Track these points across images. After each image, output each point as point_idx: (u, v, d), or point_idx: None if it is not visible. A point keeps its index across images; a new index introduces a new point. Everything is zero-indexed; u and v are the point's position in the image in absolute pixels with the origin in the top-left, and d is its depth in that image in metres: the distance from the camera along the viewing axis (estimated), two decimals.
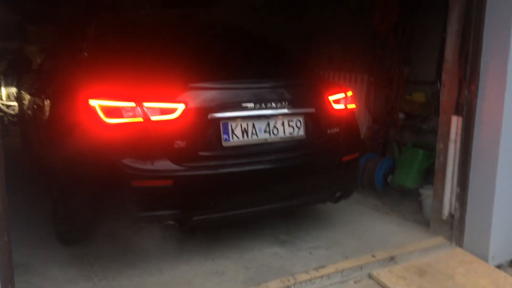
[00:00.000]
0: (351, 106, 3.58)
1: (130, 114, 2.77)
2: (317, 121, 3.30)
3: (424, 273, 3.21)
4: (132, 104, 2.77)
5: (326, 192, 3.46)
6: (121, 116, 2.76)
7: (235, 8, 7.15)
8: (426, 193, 4.10)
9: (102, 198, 2.85)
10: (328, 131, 3.37)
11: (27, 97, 5.07)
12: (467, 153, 3.46)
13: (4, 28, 7.91)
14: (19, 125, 6.41)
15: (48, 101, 3.73)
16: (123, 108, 2.77)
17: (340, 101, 3.46)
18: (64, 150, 3.09)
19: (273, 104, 3.08)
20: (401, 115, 4.68)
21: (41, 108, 3.95)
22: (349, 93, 3.58)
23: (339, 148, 3.42)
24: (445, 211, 3.65)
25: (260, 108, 3.03)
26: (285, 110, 3.13)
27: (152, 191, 2.80)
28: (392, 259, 3.34)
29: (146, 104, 2.77)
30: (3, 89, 7.56)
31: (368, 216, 4.25)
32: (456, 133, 3.53)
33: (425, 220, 4.04)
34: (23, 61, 5.78)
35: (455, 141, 3.54)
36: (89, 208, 2.97)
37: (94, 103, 2.80)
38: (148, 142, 2.78)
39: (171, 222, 2.88)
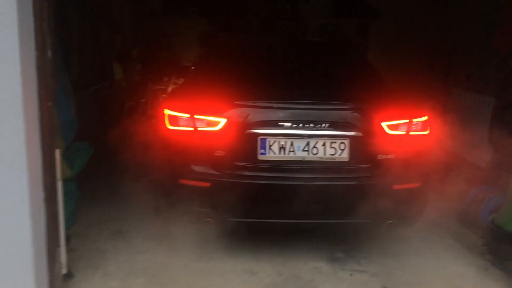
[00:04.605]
0: (419, 132, 3.41)
1: (185, 123, 3.33)
2: (365, 145, 3.29)
3: None
4: (187, 115, 3.32)
5: (372, 218, 3.40)
6: (178, 125, 3.34)
7: (397, 22, 7.06)
8: None
9: (162, 189, 3.50)
10: (379, 157, 3.31)
11: None
12: None
13: (202, 37, 9.44)
14: None
15: None
16: (181, 118, 3.34)
17: (399, 126, 3.34)
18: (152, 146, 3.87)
19: (312, 125, 3.22)
20: None
21: None
22: (419, 119, 3.41)
23: (390, 175, 3.33)
24: None
25: (298, 128, 3.22)
26: (325, 132, 3.24)
27: (193, 190, 3.31)
28: None
29: (196, 116, 3.29)
30: None
31: (451, 253, 3.89)
32: None
33: None
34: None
35: None
36: (159, 194, 3.66)
37: (165, 112, 3.46)
38: (194, 148, 3.29)
39: (208, 219, 3.35)
